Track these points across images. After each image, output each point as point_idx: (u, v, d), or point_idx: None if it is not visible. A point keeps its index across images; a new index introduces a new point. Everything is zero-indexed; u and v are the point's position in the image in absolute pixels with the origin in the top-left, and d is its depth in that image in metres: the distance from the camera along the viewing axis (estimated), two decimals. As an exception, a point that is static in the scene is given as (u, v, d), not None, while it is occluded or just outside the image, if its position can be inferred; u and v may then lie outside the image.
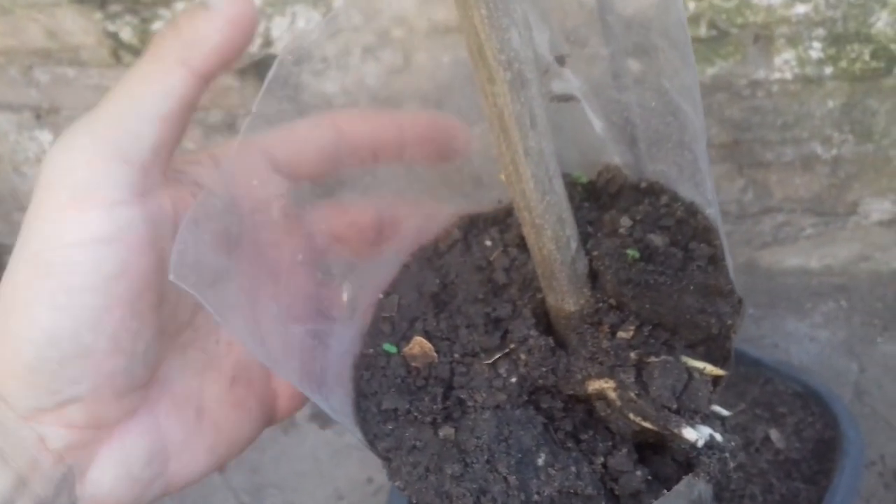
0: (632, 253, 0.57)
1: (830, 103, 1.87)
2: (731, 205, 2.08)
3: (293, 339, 0.57)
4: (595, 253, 0.59)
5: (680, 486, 0.52)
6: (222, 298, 0.48)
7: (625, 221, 0.59)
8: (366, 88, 0.59)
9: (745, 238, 2.13)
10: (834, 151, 1.94)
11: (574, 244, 0.56)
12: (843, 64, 1.81)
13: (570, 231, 0.55)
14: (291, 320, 0.57)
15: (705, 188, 0.55)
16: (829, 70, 1.81)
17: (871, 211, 2.06)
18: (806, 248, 2.14)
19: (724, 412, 0.62)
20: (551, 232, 0.53)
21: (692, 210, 0.58)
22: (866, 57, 1.81)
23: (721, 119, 1.87)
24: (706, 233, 0.57)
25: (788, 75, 1.84)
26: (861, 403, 1.93)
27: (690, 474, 0.54)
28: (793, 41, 1.71)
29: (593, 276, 0.59)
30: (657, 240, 0.57)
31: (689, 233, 0.58)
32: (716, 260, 0.56)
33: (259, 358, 0.53)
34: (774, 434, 1.41)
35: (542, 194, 0.52)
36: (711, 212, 0.57)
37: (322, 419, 2.04)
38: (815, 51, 1.76)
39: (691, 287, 0.56)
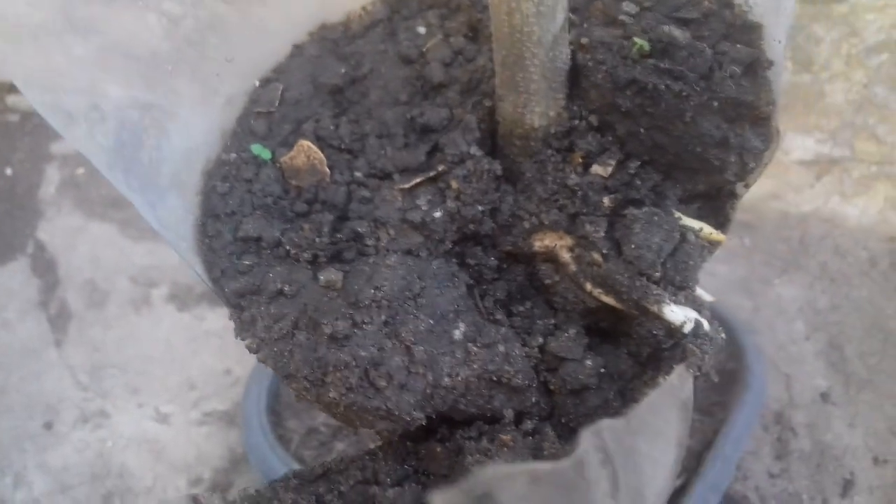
0: (640, 43, 0.38)
1: (776, 24, 1.75)
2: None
3: (107, 105, 0.36)
4: (584, 41, 0.40)
5: (672, 379, 0.35)
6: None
7: (628, 7, 0.40)
8: None
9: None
10: (770, 77, 1.83)
11: (562, 14, 0.37)
12: (799, -20, 1.68)
13: None
14: (108, 76, 0.35)
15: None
16: (783, -15, 1.67)
17: (793, 147, 1.99)
18: (720, 179, 2.05)
19: (708, 297, 0.46)
20: None
21: (726, 0, 0.40)
22: (823, -24, 1.68)
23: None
24: (746, 31, 0.39)
25: (739, -15, 1.69)
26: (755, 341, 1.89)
27: (683, 364, 0.38)
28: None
29: (573, 81, 0.41)
30: (676, 32, 0.38)
31: (721, 30, 0.39)
32: (756, 68, 0.38)
33: (40, 109, 0.32)
34: (675, 361, 1.31)
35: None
36: (759, 0, 0.39)
37: (181, 301, 1.84)
38: (773, -40, 1.61)
39: (715, 103, 0.38)
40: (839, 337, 1.87)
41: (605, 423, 0.25)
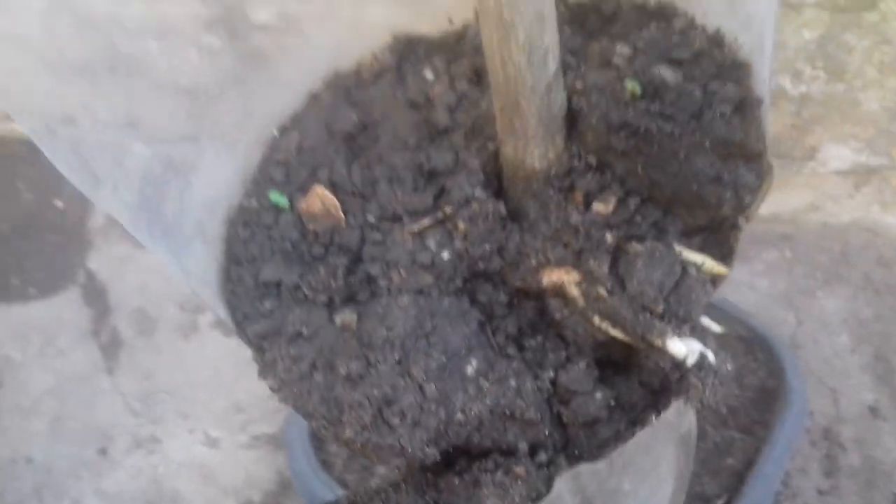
0: (631, 85, 0.40)
1: (807, 34, 1.74)
2: (687, 137, 1.94)
3: (132, 163, 0.38)
4: (578, 86, 0.41)
5: (668, 415, 0.36)
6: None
7: (622, 50, 0.42)
8: None
9: (697, 175, 2.01)
10: (803, 88, 1.82)
11: (553, 63, 0.39)
12: (829, -10, 1.67)
13: (551, 40, 0.37)
14: (134, 134, 0.38)
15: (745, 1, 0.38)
16: (812, -5, 1.66)
17: (829, 158, 1.96)
18: (758, 191, 2.03)
19: (716, 327, 0.47)
20: (524, 34, 0.36)
21: (717, 40, 0.41)
22: (853, -16, 1.67)
23: (690, 40, 1.71)
24: (734, 70, 0.40)
25: (769, -4, 1.67)
26: (795, 357, 1.86)
27: (681, 399, 0.39)
28: (780, -43, 1.55)
29: (571, 123, 0.43)
30: (667, 74, 0.40)
31: (711, 70, 0.41)
32: (745, 107, 0.39)
33: (66, 172, 0.34)
34: (714, 378, 1.31)
35: (519, -26, 0.34)
36: (747, 39, 0.40)
37: (226, 326, 1.88)
38: (801, -29, 1.61)
39: (707, 143, 0.39)
40: (885, 348, 1.83)
41: (584, 468, 0.26)
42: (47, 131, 0.34)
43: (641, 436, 0.36)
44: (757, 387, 1.29)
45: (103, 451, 1.71)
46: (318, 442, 1.29)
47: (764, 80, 0.39)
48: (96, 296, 1.95)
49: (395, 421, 0.40)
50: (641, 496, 0.30)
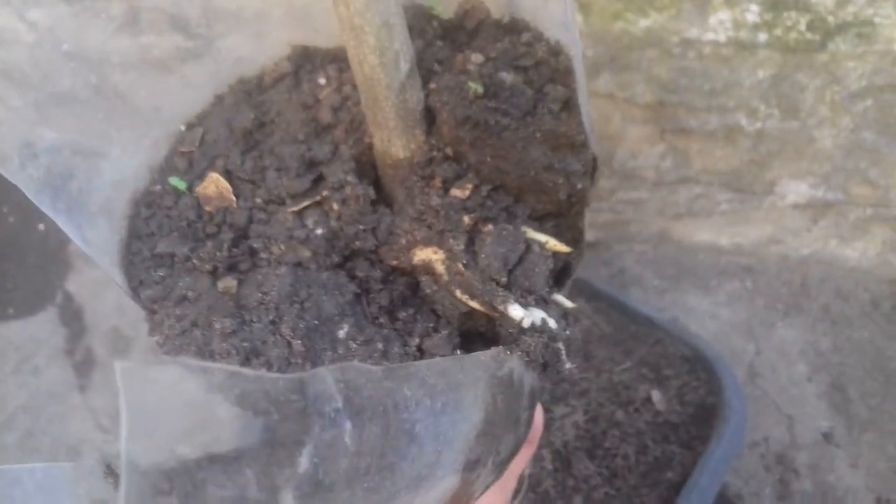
0: (474, 86, 0.46)
1: (760, 73, 1.81)
2: (648, 171, 2.01)
3: (40, 144, 0.44)
4: (433, 86, 0.48)
5: (483, 356, 0.41)
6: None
7: (475, 58, 0.48)
8: None
9: (660, 207, 2.07)
10: (758, 125, 1.88)
11: (406, 65, 0.45)
12: (779, 32, 1.75)
13: (401, 45, 0.44)
14: (43, 123, 0.44)
15: (569, 20, 0.45)
16: (763, 37, 1.75)
17: (787, 192, 2.02)
18: (719, 224, 2.10)
19: (569, 303, 0.52)
20: (374, 39, 0.42)
21: (555, 50, 0.48)
22: (802, 27, 1.75)
23: (649, 77, 1.79)
24: (566, 75, 0.47)
25: (722, 37, 1.77)
26: (753, 385, 1.90)
27: (501, 347, 0.44)
28: (731, 0, 1.64)
29: (430, 119, 0.49)
30: (507, 77, 0.47)
31: (548, 74, 0.47)
32: (571, 105, 0.46)
33: None
34: (656, 395, 1.35)
35: (364, -16, 0.41)
36: (574, 49, 0.46)
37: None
38: (752, 14, 1.69)
39: (538, 134, 0.46)
40: (841, 378, 1.86)
41: (354, 364, 0.30)
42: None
43: (438, 360, 0.41)
44: (697, 404, 1.34)
45: (71, 467, 1.72)
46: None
47: (582, 85, 0.46)
48: (73, 316, 1.98)
49: (262, 370, 0.45)
50: (424, 406, 0.34)
